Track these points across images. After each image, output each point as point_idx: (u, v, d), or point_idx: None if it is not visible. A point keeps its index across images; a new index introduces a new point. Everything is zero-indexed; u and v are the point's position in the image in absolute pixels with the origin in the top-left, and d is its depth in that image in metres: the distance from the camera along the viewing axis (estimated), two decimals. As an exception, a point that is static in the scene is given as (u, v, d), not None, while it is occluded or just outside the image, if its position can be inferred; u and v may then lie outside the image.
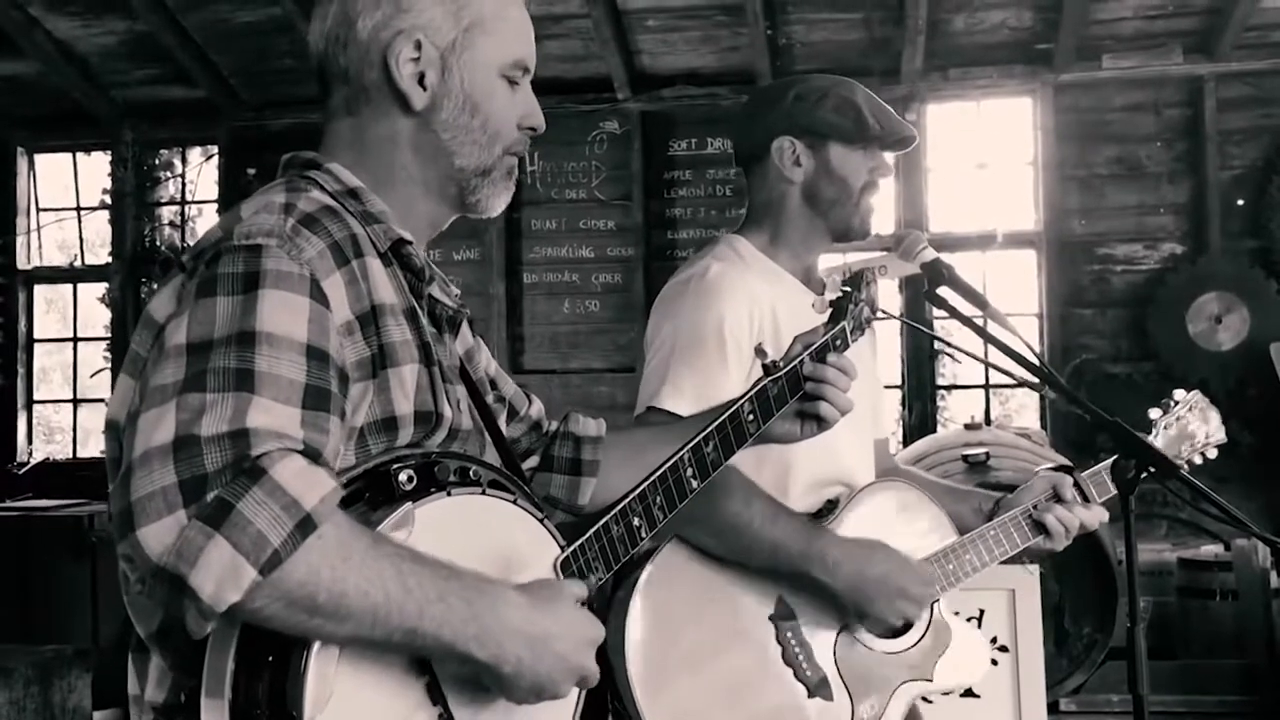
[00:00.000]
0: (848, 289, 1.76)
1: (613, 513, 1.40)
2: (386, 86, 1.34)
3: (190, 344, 1.12)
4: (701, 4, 5.89)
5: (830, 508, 2.01)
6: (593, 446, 1.66)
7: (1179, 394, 2.19)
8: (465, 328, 1.50)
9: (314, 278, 1.17)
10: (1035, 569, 3.53)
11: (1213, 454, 2.19)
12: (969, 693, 3.36)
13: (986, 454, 4.37)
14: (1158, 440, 2.12)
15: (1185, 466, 2.11)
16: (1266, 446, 5.69)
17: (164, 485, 1.03)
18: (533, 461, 1.66)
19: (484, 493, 1.26)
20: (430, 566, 1.12)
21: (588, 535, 1.36)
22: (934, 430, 6.05)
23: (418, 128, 1.36)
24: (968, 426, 4.93)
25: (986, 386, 6.38)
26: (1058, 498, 2.06)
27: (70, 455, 7.11)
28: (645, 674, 1.85)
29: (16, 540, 5.60)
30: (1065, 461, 4.31)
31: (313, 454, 1.09)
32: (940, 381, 6.36)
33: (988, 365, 2.06)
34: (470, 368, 1.47)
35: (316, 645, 1.08)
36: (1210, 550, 5.56)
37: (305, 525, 1.04)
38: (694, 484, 1.50)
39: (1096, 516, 2.07)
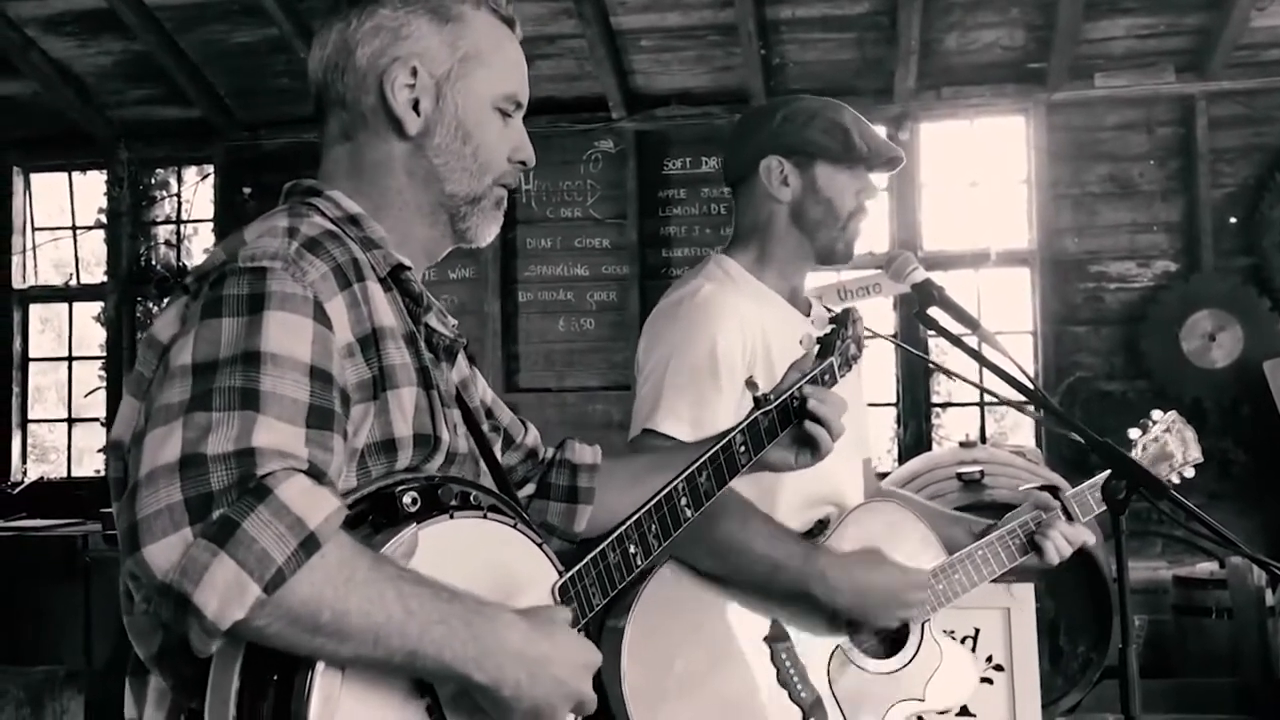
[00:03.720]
0: (835, 326, 1.79)
1: (609, 539, 1.41)
2: (382, 111, 1.37)
3: (196, 364, 1.13)
4: (695, 24, 5.92)
5: (820, 528, 2.03)
6: (589, 474, 1.68)
7: (1156, 414, 2.22)
8: (461, 358, 1.52)
9: (317, 300, 1.19)
10: (1029, 586, 3.53)
11: (1190, 473, 2.21)
12: (965, 711, 3.35)
13: (981, 472, 4.37)
14: (1137, 460, 2.13)
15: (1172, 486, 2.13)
16: (1261, 464, 5.70)
17: (170, 503, 1.04)
18: (529, 489, 1.67)
19: (485, 517, 1.27)
20: (431, 588, 1.13)
21: (585, 561, 1.37)
22: (929, 448, 6.05)
23: (411, 152, 1.38)
24: (962, 444, 4.93)
25: (981, 404, 6.39)
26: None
27: (65, 475, 7.09)
28: (640, 696, 1.86)
29: (9, 560, 5.58)
30: (1059, 479, 4.34)
31: (317, 473, 1.11)
32: (935, 399, 6.37)
33: (982, 390, 2.07)
34: (465, 396, 1.48)
35: (321, 665, 1.09)
36: (1205, 568, 5.56)
37: (309, 544, 1.05)
38: (688, 512, 1.52)
39: (1082, 535, 2.09)
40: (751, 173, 2.10)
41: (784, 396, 1.65)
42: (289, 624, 1.05)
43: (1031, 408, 2.18)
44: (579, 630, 1.33)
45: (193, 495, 1.04)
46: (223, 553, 1.02)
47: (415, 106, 1.37)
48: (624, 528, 1.43)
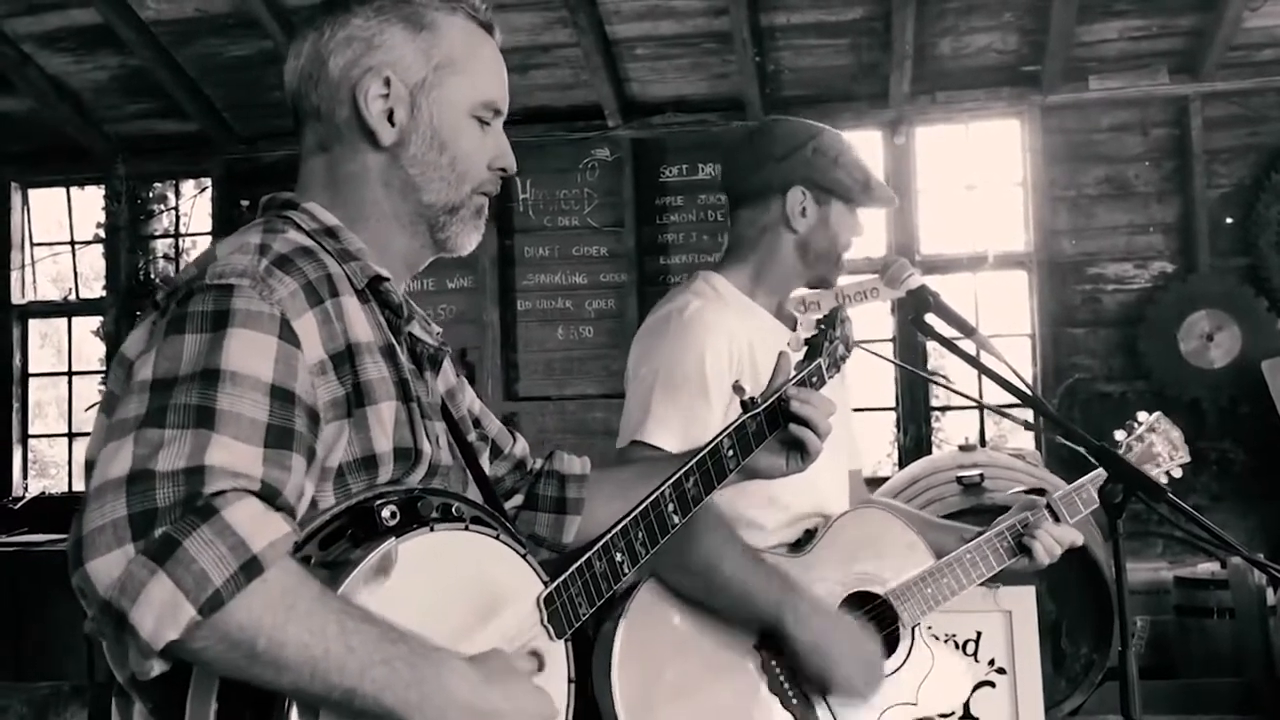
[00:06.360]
0: (823, 327, 1.79)
1: (595, 548, 1.40)
2: (356, 123, 1.36)
3: (155, 380, 1.12)
4: (690, 31, 5.92)
5: (808, 537, 2.03)
6: (577, 484, 1.66)
7: (1142, 416, 2.23)
8: (447, 367, 1.51)
9: (284, 318, 1.18)
10: (1030, 589, 3.52)
11: (1178, 473, 2.22)
12: (967, 715, 3.35)
13: (981, 475, 4.37)
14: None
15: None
16: (1260, 464, 5.69)
17: (114, 519, 1.02)
18: (517, 500, 1.66)
19: (467, 529, 1.25)
20: (378, 627, 1.09)
21: (570, 571, 1.35)
22: (929, 452, 6.04)
23: (387, 163, 1.37)
24: (962, 448, 4.92)
25: (980, 408, 6.39)
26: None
27: (65, 489, 7.09)
28: (631, 705, 1.85)
29: (11, 575, 5.58)
30: (1058, 481, 4.34)
31: (271, 494, 1.09)
32: (934, 403, 6.36)
33: (980, 402, 2.08)
34: (452, 406, 1.47)
35: None
36: (1206, 568, 5.55)
37: (251, 568, 1.03)
38: (675, 519, 1.50)
39: (1070, 535, 2.10)
40: (770, 196, 2.12)
41: (771, 399, 1.63)
42: (226, 648, 1.03)
43: (1026, 414, 2.19)
44: (565, 640, 1.32)
45: (137, 511, 1.02)
46: (161, 571, 1.00)
47: (390, 117, 1.35)
48: (610, 536, 1.42)
